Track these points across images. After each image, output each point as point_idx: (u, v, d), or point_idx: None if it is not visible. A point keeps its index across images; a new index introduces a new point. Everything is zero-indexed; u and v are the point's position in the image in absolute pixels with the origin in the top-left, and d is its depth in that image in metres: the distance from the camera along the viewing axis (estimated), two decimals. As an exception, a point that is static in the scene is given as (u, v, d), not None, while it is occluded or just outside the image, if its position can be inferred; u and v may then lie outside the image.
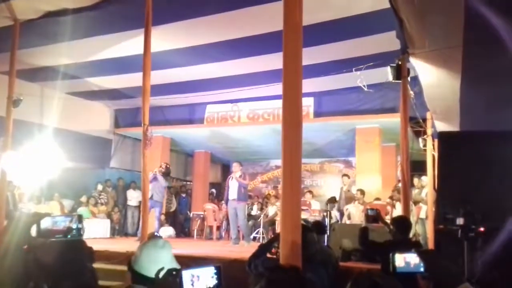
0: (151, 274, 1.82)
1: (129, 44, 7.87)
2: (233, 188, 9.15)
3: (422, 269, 1.86)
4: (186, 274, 1.68)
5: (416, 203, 9.06)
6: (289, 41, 2.15)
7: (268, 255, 3.39)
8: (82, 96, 11.27)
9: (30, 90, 9.74)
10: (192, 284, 1.68)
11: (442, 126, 8.33)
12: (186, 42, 8.07)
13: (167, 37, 7.70)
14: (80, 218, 2.06)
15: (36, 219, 2.20)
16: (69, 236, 2.02)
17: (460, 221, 2.83)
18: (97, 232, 10.26)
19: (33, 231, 2.18)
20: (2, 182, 6.70)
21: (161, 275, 1.71)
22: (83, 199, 11.36)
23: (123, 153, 12.93)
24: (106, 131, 12.73)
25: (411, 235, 8.07)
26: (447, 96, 6.17)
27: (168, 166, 10.26)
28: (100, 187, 11.82)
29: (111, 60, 8.81)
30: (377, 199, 9.59)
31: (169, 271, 1.72)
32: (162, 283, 1.70)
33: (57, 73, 9.46)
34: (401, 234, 3.93)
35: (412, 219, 7.81)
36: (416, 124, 8.68)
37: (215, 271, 1.72)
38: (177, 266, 1.89)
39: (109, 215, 11.52)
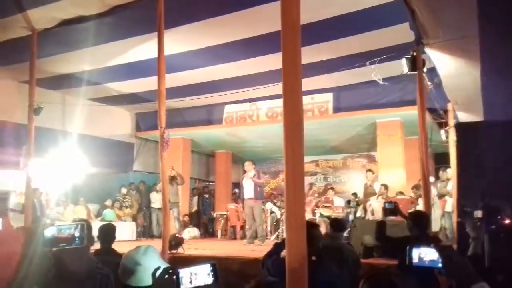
0: (145, 283, 1.81)
1: (144, 48, 7.93)
2: (248, 187, 9.14)
3: (439, 265, 1.80)
4: (184, 273, 1.68)
5: (441, 196, 8.85)
6: (288, 39, 2.10)
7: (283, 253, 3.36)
8: (103, 102, 11.45)
9: (52, 98, 9.96)
10: (190, 282, 1.68)
11: (465, 117, 8.12)
12: (201, 43, 8.09)
13: (181, 39, 7.73)
14: (83, 227, 2.08)
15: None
16: (73, 244, 2.03)
17: (478, 214, 2.73)
18: (123, 235, 10.39)
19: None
20: (27, 189, 6.85)
21: (157, 274, 1.71)
22: (108, 202, 11.55)
23: (146, 156, 13.07)
24: (128, 135, 12.89)
25: (437, 229, 7.94)
26: (467, 86, 5.99)
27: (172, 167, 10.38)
28: (124, 190, 12.00)
29: (128, 65, 8.92)
30: (400, 193, 9.41)
31: (166, 269, 1.72)
32: (160, 282, 1.69)
33: (77, 80, 9.65)
34: (418, 229, 3.81)
35: (437, 212, 7.64)
36: (438, 116, 8.48)
37: (211, 268, 1.70)
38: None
39: (134, 218, 11.67)
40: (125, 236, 10.53)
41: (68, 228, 2.04)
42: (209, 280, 1.68)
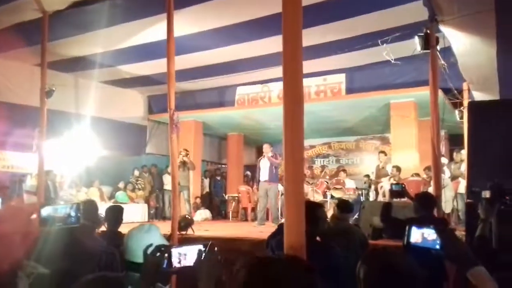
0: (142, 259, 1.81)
1: (155, 29, 7.88)
2: (264, 169, 9.12)
3: (437, 246, 1.77)
4: (174, 252, 1.67)
5: (454, 178, 8.73)
6: (288, 19, 2.04)
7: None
8: (115, 84, 11.49)
9: (65, 80, 10.04)
10: (179, 262, 1.67)
11: (481, 97, 7.93)
12: (212, 24, 8.01)
13: (192, 20, 7.67)
14: (78, 207, 2.09)
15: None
16: (68, 224, 2.04)
17: (486, 194, 2.67)
18: (135, 217, 10.52)
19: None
20: (40, 171, 6.93)
21: (149, 251, 1.70)
22: (121, 185, 11.68)
23: (158, 139, 13.13)
24: (141, 118, 12.95)
25: (449, 211, 7.86)
26: (483, 64, 5.83)
27: (186, 150, 10.35)
28: (136, 172, 12.11)
29: (139, 47, 8.90)
30: (416, 174, 9.30)
31: (157, 247, 1.71)
32: (151, 259, 1.69)
33: (89, 63, 9.69)
34: (424, 210, 3.76)
35: (449, 194, 7.55)
36: (453, 96, 8.30)
37: (203, 249, 1.69)
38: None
39: (146, 200, 11.80)
40: (138, 217, 10.67)
41: (63, 208, 2.05)
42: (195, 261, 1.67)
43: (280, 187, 11.37)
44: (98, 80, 10.75)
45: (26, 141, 9.65)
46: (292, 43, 2.06)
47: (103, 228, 4.38)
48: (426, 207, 3.99)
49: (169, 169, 10.39)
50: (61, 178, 10.58)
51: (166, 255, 1.68)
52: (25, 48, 8.38)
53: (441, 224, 4.02)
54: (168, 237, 5.19)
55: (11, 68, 9.42)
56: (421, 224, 1.91)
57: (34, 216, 1.83)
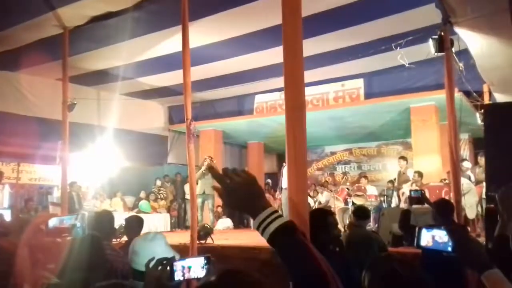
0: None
1: (173, 40, 8.00)
2: (286, 176, 9.08)
3: (449, 249, 1.69)
4: (178, 265, 1.68)
5: (478, 182, 8.50)
6: (288, 26, 2.04)
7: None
8: (136, 96, 11.69)
9: (87, 94, 10.30)
10: (183, 275, 1.68)
11: (503, 98, 7.75)
12: (228, 34, 8.09)
13: (207, 31, 7.76)
14: (83, 217, 2.13)
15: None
16: (74, 234, 2.09)
17: (502, 198, 2.60)
18: (158, 226, 10.64)
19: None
20: (63, 183, 7.10)
21: (151, 265, 1.71)
22: (142, 194, 11.82)
23: (179, 148, 13.25)
24: (162, 129, 13.13)
25: (473, 216, 7.65)
26: (502, 65, 5.71)
27: (211, 158, 10.30)
28: (159, 182, 12.26)
29: (158, 59, 9.04)
30: (443, 180, 9.10)
31: (159, 260, 1.72)
32: (153, 273, 1.70)
33: (110, 76, 9.91)
34: (442, 218, 3.68)
35: (473, 199, 7.37)
36: (474, 99, 8.14)
37: (205, 261, 1.69)
38: (176, 256, 1.88)
39: (168, 209, 11.92)
40: (160, 227, 10.78)
41: (69, 219, 2.09)
42: (202, 273, 1.68)
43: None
44: (119, 92, 10.96)
45: (51, 154, 9.90)
46: (292, 51, 2.06)
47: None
48: (443, 214, 3.92)
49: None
50: (85, 189, 10.81)
51: (168, 268, 1.69)
52: (48, 63, 8.62)
53: (464, 232, 3.93)
54: (186, 247, 5.23)
55: (34, 83, 9.72)
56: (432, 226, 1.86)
57: (42, 227, 1.89)
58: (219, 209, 12.26)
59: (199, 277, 1.68)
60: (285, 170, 9.25)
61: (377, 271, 1.58)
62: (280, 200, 10.05)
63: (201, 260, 1.69)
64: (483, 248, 1.71)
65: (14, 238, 1.58)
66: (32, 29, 7.35)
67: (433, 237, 1.78)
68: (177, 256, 1.87)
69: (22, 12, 6.81)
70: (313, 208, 10.55)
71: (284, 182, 9.24)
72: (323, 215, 2.71)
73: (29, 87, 9.70)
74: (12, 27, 7.27)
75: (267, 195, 12.02)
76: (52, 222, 2.08)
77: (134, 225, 4.33)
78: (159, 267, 1.70)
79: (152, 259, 1.73)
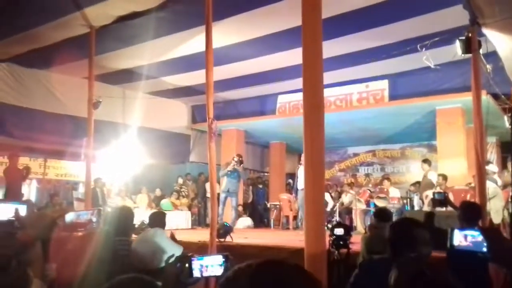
0: (152, 266, 1.85)
1: (197, 40, 8.06)
2: (302, 176, 9.03)
3: (484, 249, 1.65)
4: (196, 263, 1.69)
5: (505, 186, 8.28)
6: (308, 35, 2.04)
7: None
8: (160, 95, 11.83)
9: (112, 92, 10.48)
10: (201, 274, 1.69)
11: (533, 102, 7.53)
12: (252, 34, 8.12)
13: (231, 31, 7.80)
14: (99, 213, 2.17)
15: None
16: (89, 229, 2.13)
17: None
18: (179, 224, 10.74)
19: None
20: (87, 179, 7.24)
21: (170, 261, 1.73)
22: (158, 192, 11.91)
23: (202, 147, 13.33)
24: (185, 127, 13.25)
25: (499, 221, 7.45)
26: (531, 68, 5.53)
27: (240, 156, 10.23)
28: (180, 180, 12.38)
29: (182, 58, 9.14)
30: (469, 184, 8.90)
31: (178, 258, 1.74)
32: (171, 269, 1.72)
33: (135, 75, 10.05)
34: (467, 221, 3.58)
35: (499, 204, 7.18)
36: (503, 102, 7.93)
37: (223, 260, 1.70)
38: (179, 249, 1.90)
39: (189, 207, 12.02)
40: (182, 224, 10.88)
41: (86, 214, 2.14)
42: (220, 271, 1.69)
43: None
44: (143, 91, 11.11)
45: (77, 151, 10.12)
46: (311, 53, 2.05)
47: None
48: (470, 218, 3.81)
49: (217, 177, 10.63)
50: (109, 186, 11.00)
51: (187, 265, 1.70)
52: (75, 62, 8.81)
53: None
54: (205, 244, 5.26)
55: (62, 81, 9.95)
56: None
57: (59, 222, 1.93)
58: (240, 208, 12.30)
59: (216, 275, 1.69)
60: (300, 171, 9.22)
61: (405, 272, 1.57)
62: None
63: (219, 258, 1.70)
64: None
65: (30, 232, 1.63)
66: (60, 28, 7.53)
67: (465, 237, 1.74)
68: (181, 249, 1.88)
69: (50, 11, 7.00)
70: (335, 209, 10.49)
71: (300, 183, 9.19)
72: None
73: (57, 85, 9.94)
74: (41, 26, 7.47)
75: (287, 194, 12.07)
76: (69, 217, 2.13)
77: (158, 220, 4.35)
78: (178, 264, 1.72)
79: (172, 256, 1.75)
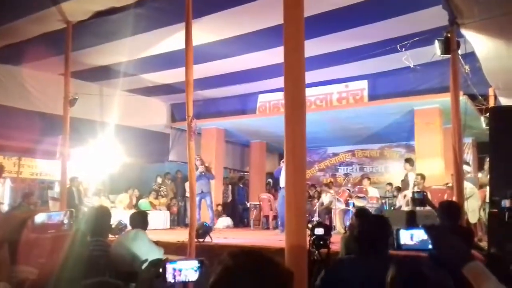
0: (130, 268, 1.78)
1: (177, 37, 7.95)
2: (283, 175, 9.06)
3: (430, 246, 1.67)
4: (169, 267, 1.63)
5: (481, 186, 8.42)
6: (290, 32, 2.00)
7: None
8: (139, 93, 11.66)
9: (89, 89, 10.27)
10: (174, 278, 1.63)
11: (507, 102, 7.68)
12: (232, 32, 8.05)
13: (212, 29, 7.72)
14: (71, 214, 2.09)
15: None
16: (61, 231, 2.04)
17: (506, 203, 2.55)
18: (157, 224, 10.60)
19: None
20: (62, 178, 7.06)
21: (144, 266, 1.67)
22: (130, 191, 11.71)
23: (181, 146, 13.18)
24: (164, 126, 13.08)
25: (475, 220, 7.57)
26: (509, 69, 5.63)
27: (203, 160, 10.30)
28: (159, 180, 12.23)
29: (161, 56, 9.01)
30: (446, 184, 9.02)
31: (152, 262, 1.68)
32: (145, 273, 1.65)
33: (113, 72, 9.86)
34: (448, 220, 3.59)
35: (476, 203, 7.30)
36: (479, 102, 8.06)
37: (198, 265, 1.64)
38: (160, 252, 1.84)
39: (168, 207, 11.88)
40: (160, 224, 10.74)
41: (57, 215, 2.05)
42: (194, 276, 1.63)
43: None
44: (121, 88, 10.92)
45: (52, 149, 9.88)
46: (293, 50, 2.01)
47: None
48: (450, 216, 3.83)
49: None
50: (85, 185, 10.77)
51: (160, 270, 1.64)
52: (50, 58, 8.58)
53: (467, 234, 3.87)
54: (184, 244, 5.18)
55: (37, 78, 9.69)
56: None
57: (28, 223, 1.84)
58: (219, 208, 12.23)
59: (190, 280, 1.62)
60: (282, 170, 9.24)
61: (401, 269, 1.56)
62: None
63: (194, 263, 1.64)
64: (461, 243, 1.67)
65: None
66: (36, 23, 7.32)
67: (411, 236, 1.77)
68: (162, 252, 1.82)
69: (25, 5, 6.79)
70: (313, 209, 10.50)
71: (282, 181, 9.21)
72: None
73: (32, 81, 9.67)
74: (16, 21, 7.25)
75: (266, 194, 12.05)
76: (40, 218, 2.04)
77: (139, 220, 4.23)
78: (152, 269, 1.65)
79: (145, 261, 1.69)
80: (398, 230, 1.74)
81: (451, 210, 3.76)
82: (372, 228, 2.46)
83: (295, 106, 1.97)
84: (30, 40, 7.93)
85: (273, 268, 1.21)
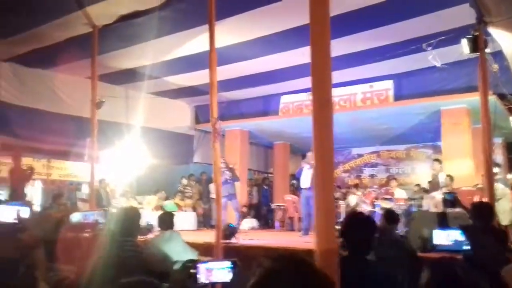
0: (163, 269, 1.80)
1: (200, 40, 8.00)
2: (306, 176, 9.01)
3: (464, 247, 1.63)
4: (202, 268, 1.63)
5: (512, 188, 8.20)
6: (316, 32, 1.98)
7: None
8: (163, 95, 11.79)
9: (115, 92, 10.43)
10: (207, 278, 1.63)
11: (540, 102, 7.44)
12: (255, 33, 8.07)
13: (234, 31, 7.75)
14: (106, 213, 2.12)
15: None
16: (96, 230, 2.08)
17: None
18: (184, 225, 10.67)
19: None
20: (91, 180, 7.20)
21: (176, 267, 1.68)
22: (160, 195, 11.84)
23: (205, 148, 13.28)
24: (188, 128, 13.19)
25: (507, 222, 7.36)
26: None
27: (227, 163, 10.29)
28: (184, 181, 12.33)
29: (186, 58, 9.09)
30: (476, 185, 8.81)
31: (184, 263, 1.68)
32: (177, 274, 1.66)
33: (138, 75, 10.01)
34: (479, 221, 3.49)
35: (507, 205, 7.10)
36: (508, 102, 7.85)
37: (231, 265, 1.64)
38: (193, 254, 1.85)
39: (194, 208, 11.97)
40: (187, 226, 10.81)
41: (92, 214, 2.09)
42: (227, 277, 1.63)
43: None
44: (146, 91, 11.04)
45: (81, 151, 10.09)
46: (320, 50, 2.00)
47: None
48: (482, 217, 3.72)
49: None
50: (113, 186, 10.97)
51: (192, 270, 1.65)
52: (77, 62, 8.77)
53: (502, 235, 3.76)
54: (211, 245, 5.20)
55: (65, 81, 9.91)
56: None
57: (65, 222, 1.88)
58: (244, 209, 12.25)
59: (223, 281, 1.62)
60: (304, 171, 9.17)
61: (437, 271, 1.53)
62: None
63: (226, 264, 1.64)
64: (499, 246, 1.62)
65: (35, 233, 1.58)
66: (63, 28, 7.49)
67: (447, 236, 1.72)
68: (196, 254, 1.83)
69: (53, 10, 6.96)
70: (338, 210, 10.41)
71: (304, 182, 9.16)
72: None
73: (60, 84, 9.90)
74: (44, 25, 7.43)
75: (291, 196, 12.01)
76: (75, 217, 2.08)
77: (166, 221, 4.27)
78: (184, 270, 1.66)
79: (178, 261, 1.70)
80: (432, 231, 1.71)
81: (484, 210, 3.65)
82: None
83: (322, 106, 1.95)
84: (58, 44, 8.12)
85: (316, 276, 1.20)
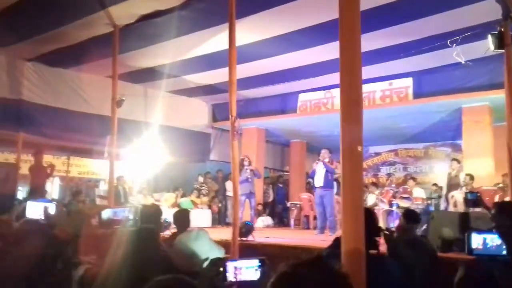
0: (190, 267, 1.81)
1: (219, 38, 8.04)
2: (319, 174, 8.98)
3: (504, 252, 1.59)
4: (230, 266, 1.64)
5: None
6: (346, 26, 1.96)
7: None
8: (181, 94, 11.87)
9: (134, 90, 10.55)
10: (235, 276, 1.63)
11: None
12: (274, 31, 8.05)
13: (253, 29, 7.75)
14: (136, 210, 2.14)
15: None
16: (126, 226, 2.10)
17: None
18: (199, 222, 10.74)
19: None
20: (110, 177, 7.29)
21: (205, 265, 1.69)
22: (178, 192, 11.94)
23: (222, 146, 13.36)
24: (205, 126, 13.24)
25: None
26: None
27: (250, 161, 10.26)
28: (201, 179, 12.41)
29: (204, 57, 9.12)
30: (497, 184, 8.68)
31: (212, 261, 1.69)
32: (206, 272, 1.67)
33: (157, 73, 10.09)
34: (506, 220, 3.42)
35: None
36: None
37: (259, 264, 1.64)
38: (220, 252, 1.85)
39: (209, 206, 12.04)
40: (202, 223, 10.87)
41: (122, 211, 2.11)
42: (255, 275, 1.63)
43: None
44: (165, 89, 11.13)
45: (100, 149, 10.22)
46: (350, 47, 1.98)
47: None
48: (508, 217, 3.64)
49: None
50: (131, 183, 11.09)
51: (221, 269, 1.65)
52: (98, 61, 8.88)
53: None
54: (228, 243, 5.23)
55: (86, 80, 10.06)
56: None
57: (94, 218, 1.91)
58: (260, 207, 12.26)
59: (252, 279, 1.63)
60: (318, 168, 9.14)
61: (471, 273, 1.51)
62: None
63: (254, 263, 1.64)
64: None
65: (68, 229, 1.61)
66: (85, 27, 7.59)
67: (484, 240, 1.68)
68: (223, 252, 1.84)
69: (75, 10, 7.05)
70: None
71: (317, 181, 9.13)
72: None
73: (81, 83, 10.05)
74: (66, 25, 7.54)
75: (307, 194, 11.97)
76: (106, 214, 2.11)
77: (183, 218, 4.30)
78: (212, 268, 1.67)
79: (206, 259, 1.71)
80: (470, 234, 1.67)
81: (508, 209, 3.57)
82: None
83: (352, 102, 1.95)
84: (80, 44, 8.24)
85: (340, 282, 1.19)
